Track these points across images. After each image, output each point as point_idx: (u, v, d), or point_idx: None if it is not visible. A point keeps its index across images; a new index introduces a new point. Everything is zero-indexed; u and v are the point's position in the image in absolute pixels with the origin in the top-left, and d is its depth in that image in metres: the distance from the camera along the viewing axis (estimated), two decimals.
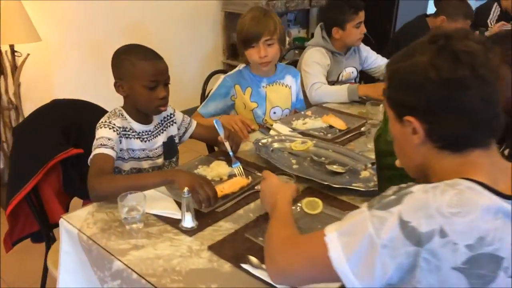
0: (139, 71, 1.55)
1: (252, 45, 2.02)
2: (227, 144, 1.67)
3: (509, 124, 1.38)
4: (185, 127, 1.84)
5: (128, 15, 3.63)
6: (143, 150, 1.68)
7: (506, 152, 1.66)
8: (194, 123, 1.86)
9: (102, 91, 3.47)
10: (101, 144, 1.52)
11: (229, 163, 1.67)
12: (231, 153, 1.67)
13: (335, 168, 1.68)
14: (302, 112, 2.23)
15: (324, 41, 2.53)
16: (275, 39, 2.03)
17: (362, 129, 2.05)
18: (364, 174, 1.67)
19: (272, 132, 2.00)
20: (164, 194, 1.51)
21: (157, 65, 1.58)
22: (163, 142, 1.74)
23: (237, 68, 2.17)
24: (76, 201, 1.95)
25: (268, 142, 1.86)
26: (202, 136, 1.89)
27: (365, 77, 2.86)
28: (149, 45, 1.63)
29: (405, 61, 0.89)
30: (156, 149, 1.72)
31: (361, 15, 2.48)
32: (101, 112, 1.96)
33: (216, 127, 1.70)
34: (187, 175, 1.41)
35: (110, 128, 1.57)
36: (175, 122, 1.80)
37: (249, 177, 1.60)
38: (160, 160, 1.73)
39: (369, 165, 1.69)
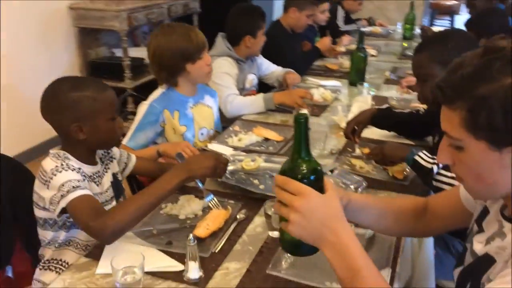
0: (102, 104, 1.35)
1: (200, 56, 1.91)
2: (198, 180, 1.51)
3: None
4: (125, 162, 1.61)
5: None
6: (101, 194, 1.43)
7: (436, 140, 1.83)
8: (133, 157, 1.64)
9: None
10: (72, 187, 1.24)
11: (198, 196, 1.51)
12: (201, 186, 1.51)
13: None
14: (231, 128, 2.13)
15: (228, 50, 2.48)
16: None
17: None
18: (335, 180, 1.67)
19: None
20: (144, 245, 1.30)
21: (112, 93, 1.41)
22: (111, 182, 1.50)
23: (159, 91, 1.97)
24: None
25: None
26: (144, 169, 1.68)
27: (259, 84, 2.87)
28: None
29: (492, 85, 0.79)
30: (107, 191, 1.47)
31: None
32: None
33: (179, 161, 1.52)
34: (199, 162, 1.40)
35: (72, 170, 1.30)
36: (114, 158, 1.56)
37: (228, 207, 1.47)
38: (114, 203, 1.48)
39: (334, 169, 1.69)
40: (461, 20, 7.32)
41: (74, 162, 1.33)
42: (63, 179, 1.26)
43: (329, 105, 2.47)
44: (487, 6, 3.56)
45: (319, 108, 2.40)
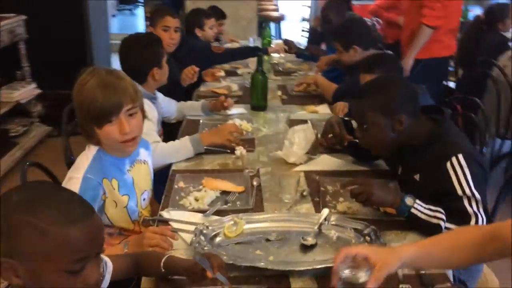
0: (55, 246, 0.85)
1: (110, 119, 1.44)
2: (220, 276, 1.14)
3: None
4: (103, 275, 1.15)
5: None
6: None
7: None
8: (109, 262, 1.18)
9: None
10: None
11: None
12: (223, 280, 1.14)
13: (310, 241, 1.42)
14: (176, 186, 1.73)
15: (142, 88, 2.04)
16: (138, 106, 1.51)
17: (254, 183, 1.78)
18: (329, 232, 1.47)
19: (176, 225, 1.50)
20: None
21: (90, 226, 0.89)
22: None
23: (88, 157, 1.48)
24: None
25: (204, 241, 1.38)
26: (124, 272, 1.22)
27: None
28: None
29: None
30: None
31: None
32: None
33: (200, 262, 1.13)
34: None
35: None
36: None
37: None
38: None
39: (327, 217, 1.50)
40: (286, 26, 7.83)
41: None
42: None
43: (255, 138, 2.25)
44: (340, 18, 3.75)
45: (249, 143, 2.15)
